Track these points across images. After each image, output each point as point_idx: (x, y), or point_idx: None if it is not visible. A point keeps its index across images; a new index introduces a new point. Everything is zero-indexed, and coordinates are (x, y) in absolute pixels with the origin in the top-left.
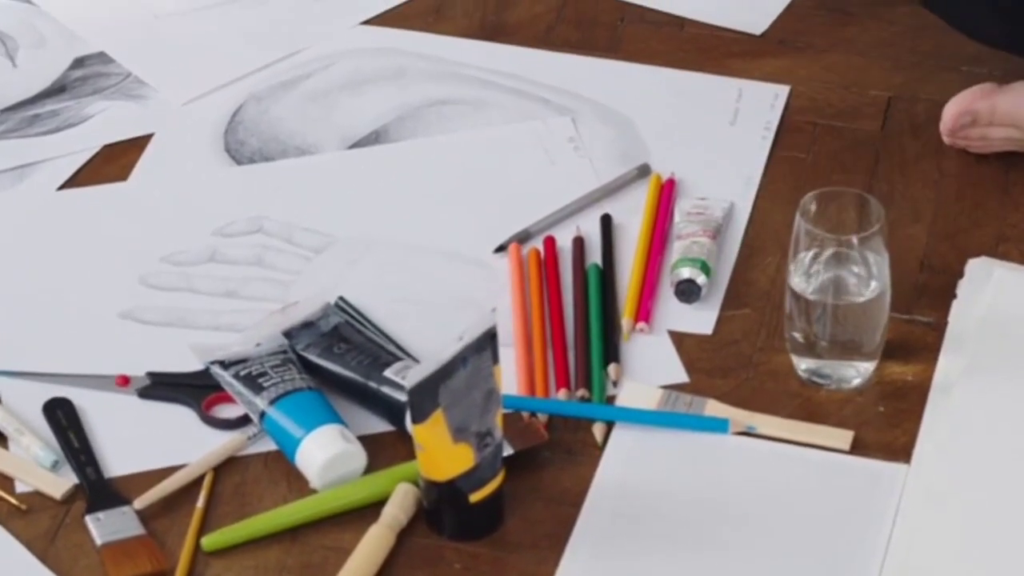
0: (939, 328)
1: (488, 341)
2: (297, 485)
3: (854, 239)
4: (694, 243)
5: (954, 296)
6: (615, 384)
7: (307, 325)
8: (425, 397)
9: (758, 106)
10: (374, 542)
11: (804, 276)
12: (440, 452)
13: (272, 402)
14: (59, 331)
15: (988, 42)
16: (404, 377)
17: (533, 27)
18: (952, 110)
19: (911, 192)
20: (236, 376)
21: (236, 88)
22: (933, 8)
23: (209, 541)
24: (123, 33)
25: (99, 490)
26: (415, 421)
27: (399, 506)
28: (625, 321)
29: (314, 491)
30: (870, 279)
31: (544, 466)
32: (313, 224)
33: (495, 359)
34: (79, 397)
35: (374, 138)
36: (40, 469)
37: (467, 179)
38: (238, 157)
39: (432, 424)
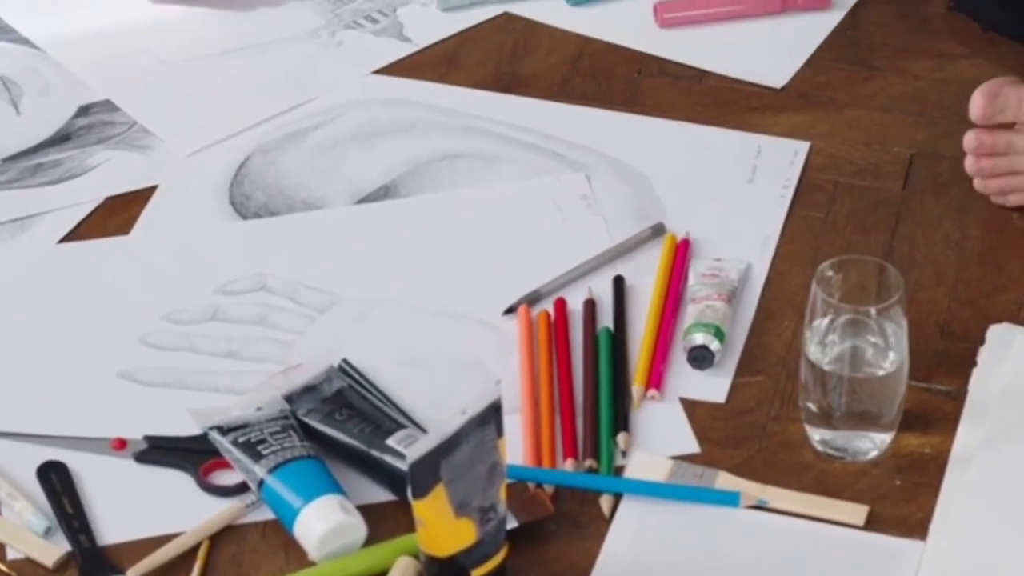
0: (959, 397)
1: (492, 414)
2: (295, 556)
3: (872, 310)
4: (708, 307)
5: (974, 364)
6: (624, 454)
7: (309, 389)
8: (426, 472)
9: (777, 163)
10: None
11: (820, 345)
12: (441, 527)
13: (271, 470)
14: (56, 390)
15: (993, 28)
16: (407, 446)
17: (548, 78)
18: (983, 93)
19: (932, 254)
20: (235, 443)
21: (243, 139)
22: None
23: None
24: (130, 80)
25: (92, 558)
26: (416, 496)
27: None
28: (636, 388)
29: (312, 563)
30: (888, 349)
31: (550, 539)
32: (318, 282)
33: (499, 432)
34: (74, 460)
35: (383, 193)
36: (32, 535)
37: (477, 236)
38: (243, 211)
39: (433, 499)
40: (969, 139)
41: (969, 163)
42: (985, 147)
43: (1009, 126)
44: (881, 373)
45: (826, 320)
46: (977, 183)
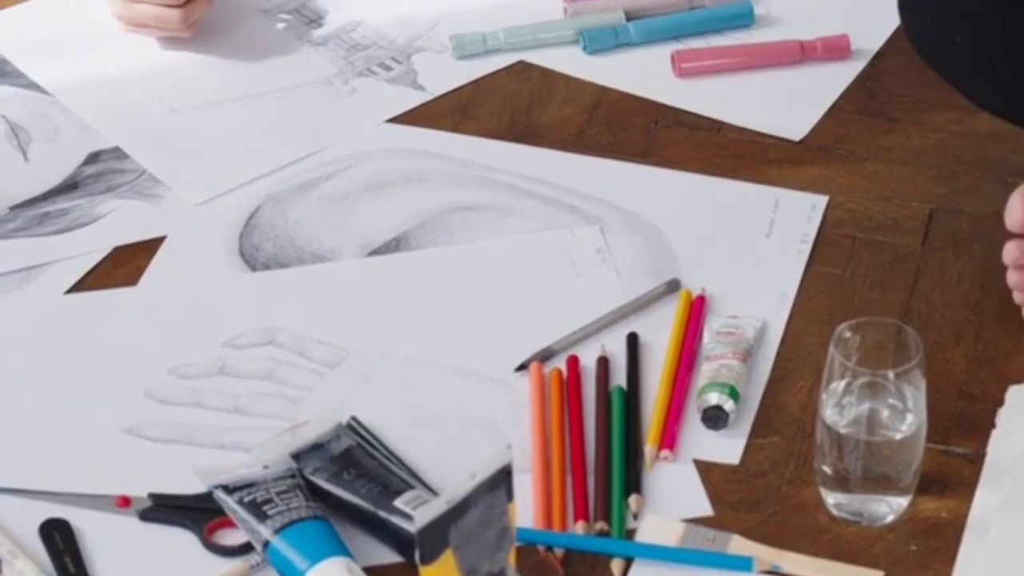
0: (977, 460)
1: (503, 479)
2: None
3: (890, 374)
4: (723, 366)
5: (993, 426)
6: (636, 516)
7: (317, 447)
8: (435, 537)
9: (795, 217)
10: None
11: (837, 408)
12: None
13: (277, 531)
14: (60, 445)
15: (994, 112)
16: (415, 508)
17: (563, 129)
18: (1020, 196)
19: (951, 313)
20: (240, 502)
21: (253, 188)
22: (937, 69)
23: None
24: (139, 127)
25: None
26: (423, 561)
27: None
28: (648, 448)
29: None
30: (906, 412)
31: None
32: (327, 336)
33: (510, 496)
34: (78, 517)
35: (394, 245)
36: None
37: (490, 290)
38: (253, 263)
39: (442, 565)
40: (1010, 251)
41: (1011, 275)
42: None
43: None
44: (899, 437)
45: (843, 382)
46: (1018, 297)
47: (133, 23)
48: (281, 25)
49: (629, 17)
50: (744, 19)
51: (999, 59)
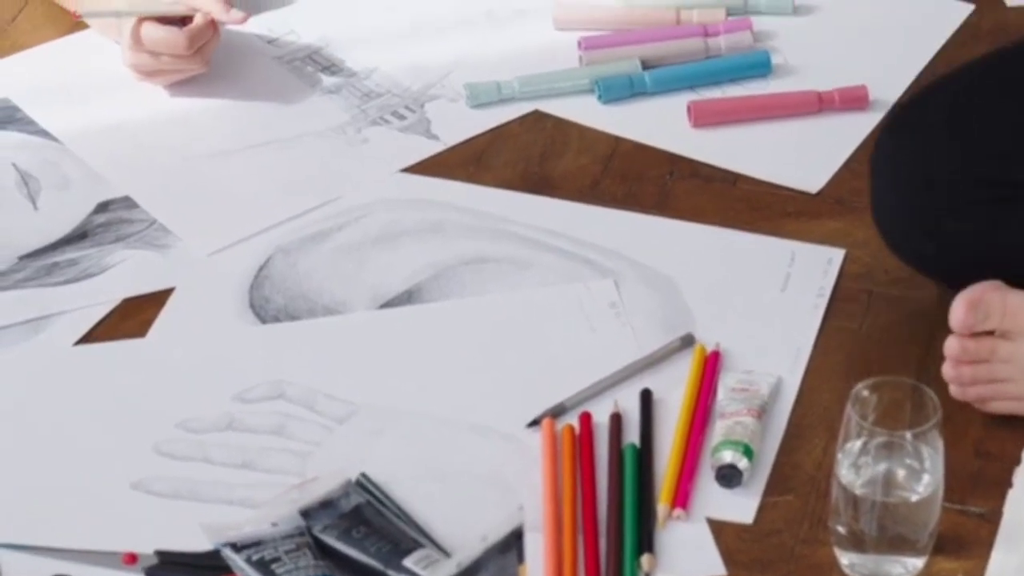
0: (993, 520)
1: (513, 541)
2: None
3: (908, 435)
4: (737, 424)
5: (1010, 485)
6: None
7: (326, 504)
8: None
9: (811, 271)
10: None
11: (852, 467)
12: None
13: None
14: (67, 500)
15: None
16: (425, 567)
17: (578, 180)
18: (965, 301)
19: None
20: (248, 560)
21: (264, 239)
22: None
23: None
24: (150, 176)
25: None
26: None
27: None
28: (661, 507)
29: None
30: (922, 472)
31: None
32: (337, 390)
33: (520, 558)
34: (84, 574)
35: (407, 297)
36: None
37: (502, 345)
38: (263, 315)
39: None
40: (952, 345)
41: (947, 369)
42: (968, 354)
43: (990, 332)
44: (915, 498)
45: (860, 442)
46: (954, 390)
47: (147, 72)
48: (294, 72)
49: (645, 66)
50: (761, 69)
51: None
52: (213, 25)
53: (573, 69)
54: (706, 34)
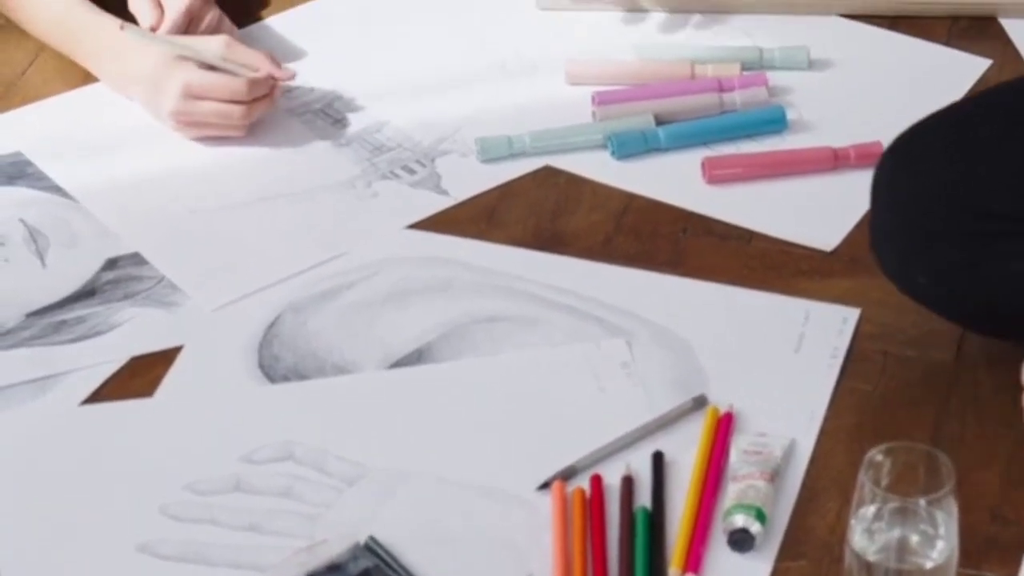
0: None
1: None
2: None
3: (922, 501)
4: (750, 487)
5: None
6: None
7: (333, 568)
8: None
9: (825, 331)
10: None
11: (866, 533)
12: None
13: None
14: (73, 562)
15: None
16: None
17: (590, 237)
18: None
19: (984, 432)
20: None
21: (273, 294)
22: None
23: None
24: (159, 230)
25: None
26: None
27: None
28: (673, 571)
29: None
30: (937, 539)
31: None
32: (347, 451)
33: None
34: None
35: (416, 357)
36: None
37: (513, 405)
38: (272, 374)
39: None
40: None
41: None
42: None
43: None
44: (930, 565)
45: (873, 507)
46: None
47: (190, 121)
48: (305, 124)
49: (659, 121)
50: (777, 124)
51: None
52: (269, 86)
53: (585, 124)
54: (721, 89)
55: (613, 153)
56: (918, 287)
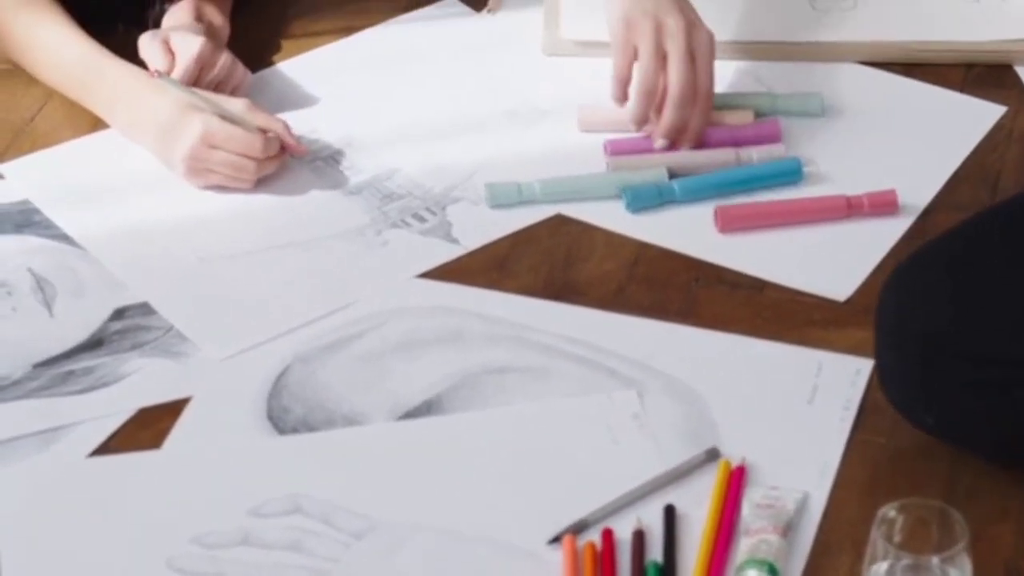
0: None
1: None
2: None
3: (935, 559)
4: (762, 541)
5: None
6: None
7: None
8: None
9: (838, 382)
10: None
11: None
12: None
13: None
14: None
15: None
16: None
17: (602, 286)
18: None
19: (999, 485)
20: None
21: (282, 344)
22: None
23: None
24: (167, 279)
25: None
26: None
27: None
28: None
29: None
30: None
31: None
32: (355, 504)
33: None
34: None
35: (426, 408)
36: None
37: (523, 457)
38: (281, 425)
39: None
40: None
41: None
42: None
43: None
44: None
45: (886, 564)
46: None
47: (201, 168)
48: (315, 172)
49: (672, 173)
50: (793, 176)
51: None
52: (282, 147)
53: (597, 175)
54: (736, 143)
55: (628, 207)
56: (928, 426)
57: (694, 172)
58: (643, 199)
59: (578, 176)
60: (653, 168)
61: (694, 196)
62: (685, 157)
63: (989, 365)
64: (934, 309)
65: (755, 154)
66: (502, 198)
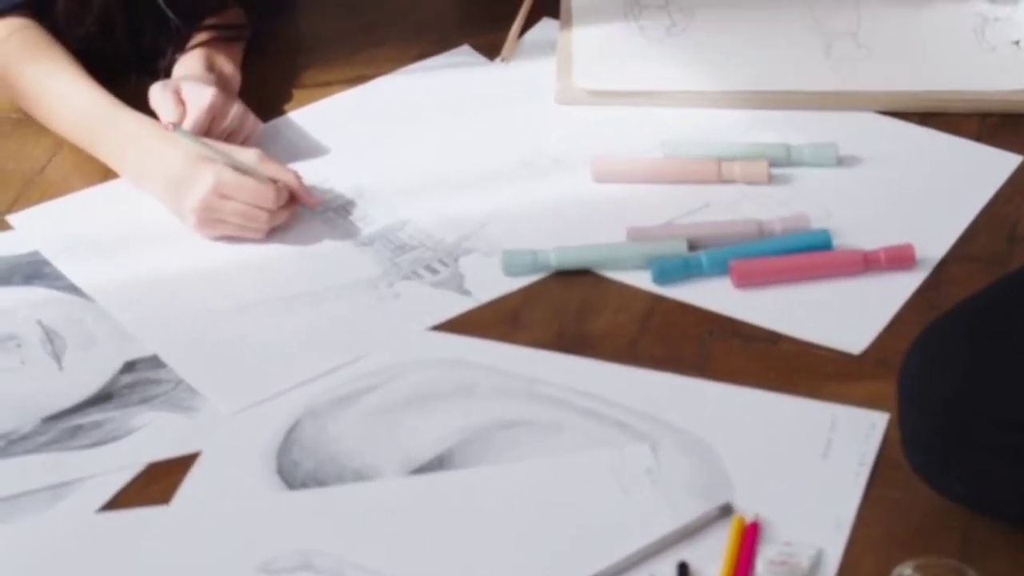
0: None
1: None
2: None
3: None
4: None
5: None
6: None
7: None
8: None
9: (853, 436)
10: None
11: None
12: None
13: None
14: None
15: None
16: None
17: (615, 339)
18: None
19: (1015, 542)
20: None
21: (293, 399)
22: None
23: None
24: (177, 331)
25: None
26: None
27: None
28: None
29: None
30: None
31: None
32: (366, 560)
33: None
34: None
35: (438, 463)
36: None
37: (535, 513)
38: (291, 480)
39: None
40: None
41: None
42: None
43: None
44: None
45: None
46: None
47: (213, 218)
48: (327, 223)
49: (692, 245)
50: (822, 250)
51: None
52: (294, 197)
53: (615, 245)
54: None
55: (655, 279)
56: (952, 493)
57: (716, 242)
58: (670, 273)
59: (596, 246)
60: (674, 239)
61: (722, 269)
62: (707, 228)
63: (1016, 430)
64: (958, 375)
65: (778, 225)
66: (516, 268)
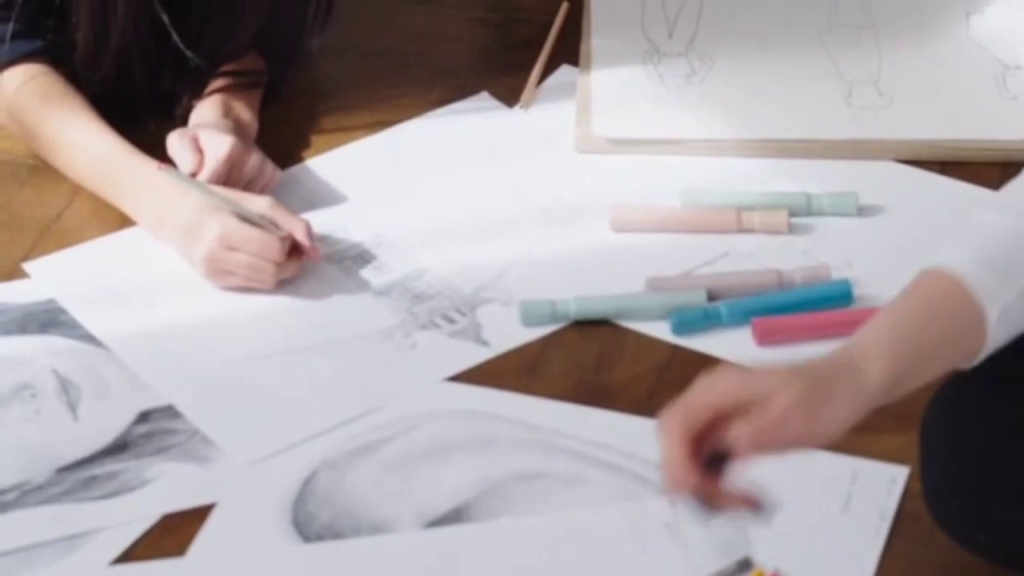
0: None
1: None
2: None
3: None
4: None
5: None
6: None
7: None
8: None
9: (873, 490)
10: None
11: None
12: None
13: None
14: None
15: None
16: None
17: (633, 390)
18: None
19: None
20: None
21: (308, 450)
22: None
23: None
24: (192, 382)
25: None
26: None
27: None
28: None
29: None
30: None
31: None
32: None
33: None
34: None
35: (455, 515)
36: None
37: (553, 567)
38: (306, 532)
39: None
40: None
41: None
42: None
43: None
44: None
45: None
46: None
47: (221, 269)
48: (343, 271)
49: (712, 296)
50: (843, 300)
51: None
52: (299, 248)
53: (634, 296)
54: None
55: (674, 330)
56: (976, 546)
57: (736, 293)
58: (690, 324)
59: (615, 296)
60: (693, 290)
61: (741, 320)
62: (726, 278)
63: None
64: (982, 427)
65: (798, 275)
66: (535, 318)
